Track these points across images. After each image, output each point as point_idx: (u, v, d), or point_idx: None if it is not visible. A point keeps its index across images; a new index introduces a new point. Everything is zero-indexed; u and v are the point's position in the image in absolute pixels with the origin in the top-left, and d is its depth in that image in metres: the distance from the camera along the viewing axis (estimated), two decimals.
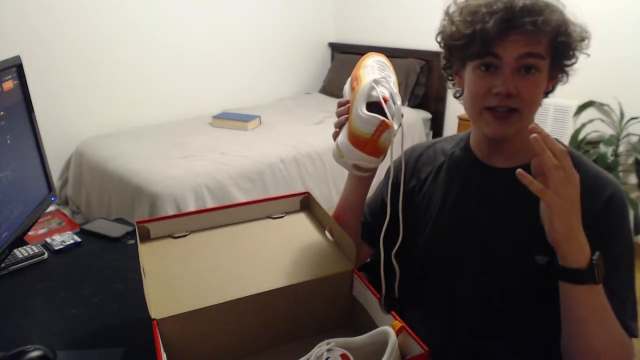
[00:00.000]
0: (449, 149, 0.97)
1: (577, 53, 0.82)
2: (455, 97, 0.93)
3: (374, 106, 0.78)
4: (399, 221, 0.88)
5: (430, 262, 0.92)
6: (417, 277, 0.93)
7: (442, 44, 0.87)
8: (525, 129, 0.84)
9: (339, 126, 0.85)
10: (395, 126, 0.76)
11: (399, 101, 0.79)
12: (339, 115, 0.85)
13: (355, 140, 0.77)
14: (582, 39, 0.81)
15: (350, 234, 0.87)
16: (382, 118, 0.74)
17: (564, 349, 0.76)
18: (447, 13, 0.85)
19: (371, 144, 0.76)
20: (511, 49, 0.76)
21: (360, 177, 0.91)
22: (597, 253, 0.70)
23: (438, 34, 0.87)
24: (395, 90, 0.81)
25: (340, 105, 0.87)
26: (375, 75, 0.82)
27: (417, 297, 0.94)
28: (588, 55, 0.83)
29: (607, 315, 0.71)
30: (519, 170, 0.67)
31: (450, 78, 0.92)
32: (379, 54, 0.93)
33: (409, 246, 0.87)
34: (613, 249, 0.77)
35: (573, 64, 0.83)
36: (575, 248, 0.69)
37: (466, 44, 0.80)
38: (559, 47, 0.78)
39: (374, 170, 0.86)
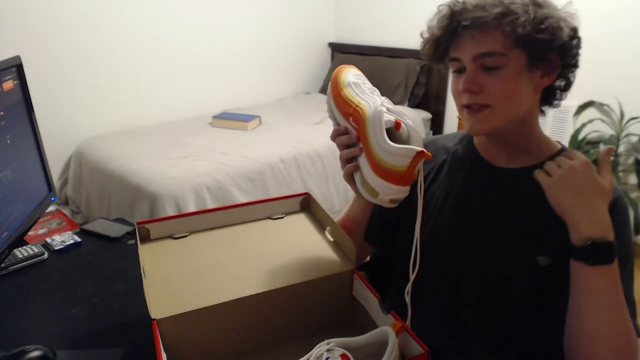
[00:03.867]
0: (451, 146, 0.96)
1: (559, 41, 0.76)
2: None
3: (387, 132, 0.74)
4: (398, 218, 0.87)
5: (430, 262, 0.92)
6: (417, 276, 0.93)
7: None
8: (525, 129, 0.84)
9: (349, 159, 0.78)
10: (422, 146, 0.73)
11: (407, 119, 0.76)
12: (342, 146, 0.79)
13: (389, 175, 0.72)
14: (556, 26, 0.75)
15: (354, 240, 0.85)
16: (417, 149, 0.70)
17: (566, 343, 0.76)
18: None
19: (407, 175, 0.72)
20: (465, 50, 0.79)
21: None
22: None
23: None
24: (394, 106, 0.77)
25: (338, 133, 0.80)
26: (374, 98, 0.77)
27: (417, 296, 0.94)
28: (579, 49, 0.78)
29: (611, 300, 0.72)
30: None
31: None
32: (348, 65, 0.86)
33: (409, 245, 0.87)
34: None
35: (570, 59, 0.79)
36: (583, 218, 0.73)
37: (427, 48, 0.85)
38: (524, 37, 0.74)
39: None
